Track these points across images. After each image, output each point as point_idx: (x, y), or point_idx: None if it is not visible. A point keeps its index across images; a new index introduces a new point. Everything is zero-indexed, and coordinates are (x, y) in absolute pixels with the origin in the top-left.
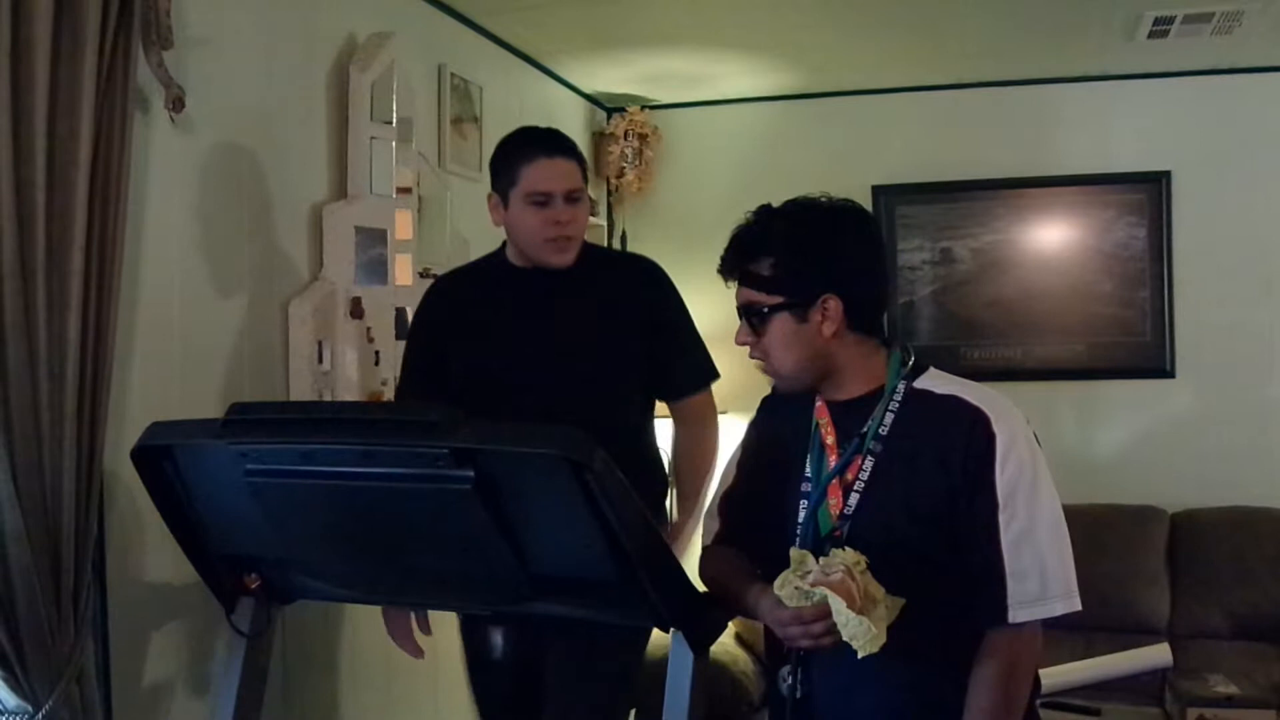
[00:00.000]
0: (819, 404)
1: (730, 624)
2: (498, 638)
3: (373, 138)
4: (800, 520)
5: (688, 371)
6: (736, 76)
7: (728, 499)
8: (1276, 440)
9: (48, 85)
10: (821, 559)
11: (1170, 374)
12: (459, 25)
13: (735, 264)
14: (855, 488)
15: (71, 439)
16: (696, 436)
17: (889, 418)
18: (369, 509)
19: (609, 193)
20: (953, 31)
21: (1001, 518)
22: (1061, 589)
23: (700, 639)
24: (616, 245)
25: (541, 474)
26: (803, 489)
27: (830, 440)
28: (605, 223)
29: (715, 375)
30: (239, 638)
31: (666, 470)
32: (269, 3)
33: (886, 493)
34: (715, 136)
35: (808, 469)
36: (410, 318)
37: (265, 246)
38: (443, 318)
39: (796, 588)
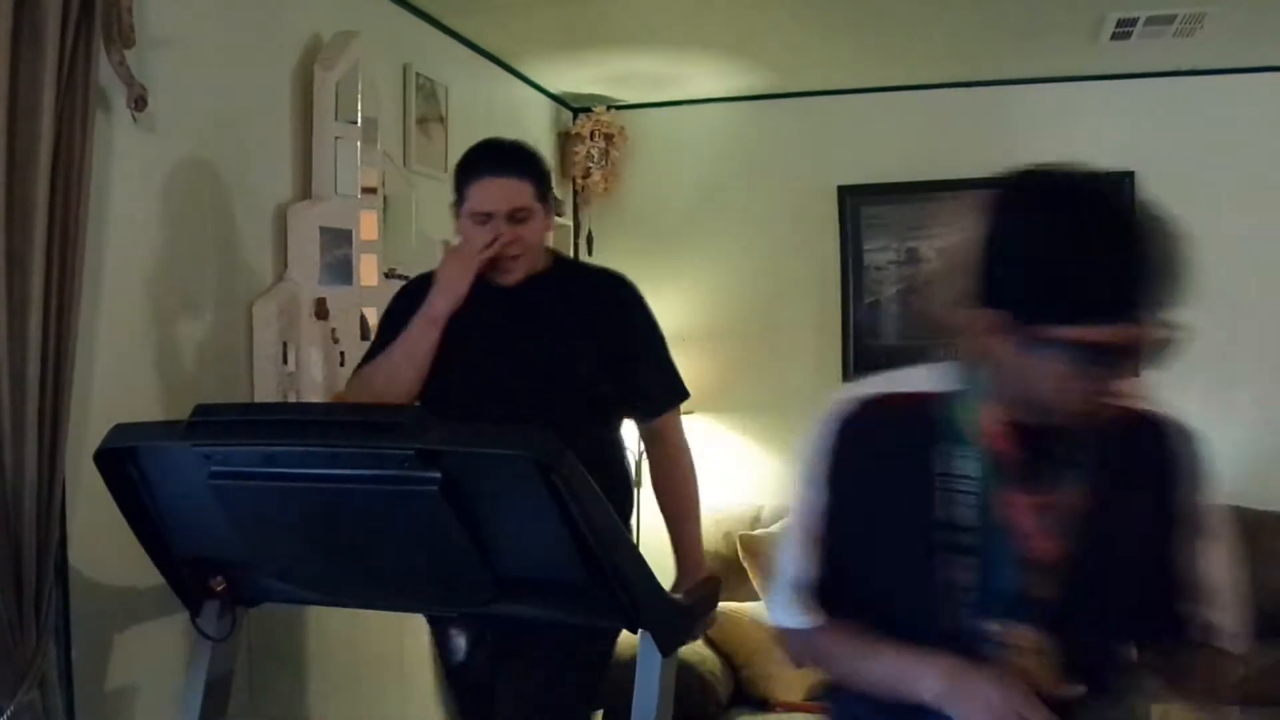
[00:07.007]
0: (994, 429)
1: None
2: (461, 641)
3: (337, 138)
4: (970, 585)
5: (657, 392)
6: (703, 77)
7: (823, 591)
8: (1239, 440)
9: (7, 84)
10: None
11: (1134, 373)
12: (425, 25)
13: (1148, 297)
14: (1066, 527)
15: (33, 441)
16: (674, 458)
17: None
18: (335, 511)
19: (575, 193)
20: (918, 33)
21: (1215, 533)
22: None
23: (669, 640)
24: (583, 246)
25: (509, 475)
26: (961, 541)
27: (1013, 474)
28: (571, 223)
29: (685, 394)
30: (204, 641)
31: (633, 487)
32: (233, 1)
33: (1105, 527)
34: (682, 137)
35: (959, 514)
36: (374, 320)
37: (229, 247)
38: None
39: None
